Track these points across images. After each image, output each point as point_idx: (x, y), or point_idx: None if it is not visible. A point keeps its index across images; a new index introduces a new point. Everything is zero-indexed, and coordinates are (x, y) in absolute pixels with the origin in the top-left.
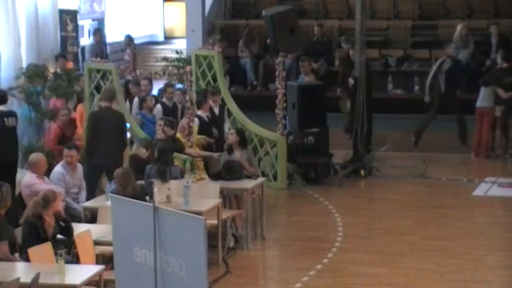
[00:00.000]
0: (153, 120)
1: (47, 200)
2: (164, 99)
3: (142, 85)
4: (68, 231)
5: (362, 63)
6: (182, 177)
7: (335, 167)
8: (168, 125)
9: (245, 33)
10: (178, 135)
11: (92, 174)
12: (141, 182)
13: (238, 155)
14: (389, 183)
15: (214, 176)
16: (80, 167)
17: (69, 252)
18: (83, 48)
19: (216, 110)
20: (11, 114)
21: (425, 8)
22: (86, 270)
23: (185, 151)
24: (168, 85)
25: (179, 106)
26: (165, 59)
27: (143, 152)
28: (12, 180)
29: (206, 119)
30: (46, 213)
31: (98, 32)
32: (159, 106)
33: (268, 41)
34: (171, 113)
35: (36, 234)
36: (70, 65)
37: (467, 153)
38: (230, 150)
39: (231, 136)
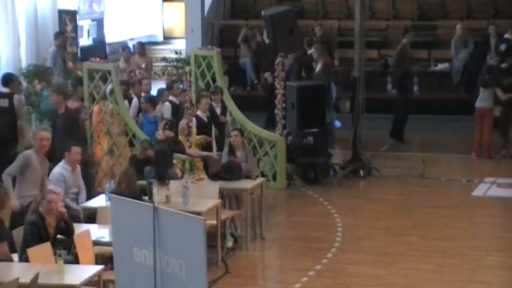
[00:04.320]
0: (152, 121)
1: (46, 199)
2: (171, 97)
3: (145, 84)
4: (68, 232)
5: (361, 63)
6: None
7: (334, 167)
8: (168, 127)
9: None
10: (180, 137)
11: None
12: (142, 182)
13: (240, 155)
14: (388, 183)
15: (214, 176)
16: (79, 167)
17: (69, 252)
18: (82, 49)
19: (218, 110)
20: (3, 95)
21: (424, 8)
22: (85, 271)
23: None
24: (174, 82)
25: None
26: (164, 59)
27: (149, 152)
28: (5, 158)
29: (205, 119)
30: (47, 214)
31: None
32: (168, 104)
33: (267, 41)
34: (179, 111)
35: (38, 234)
36: (70, 65)
37: (466, 153)
38: (232, 152)
39: (235, 138)
